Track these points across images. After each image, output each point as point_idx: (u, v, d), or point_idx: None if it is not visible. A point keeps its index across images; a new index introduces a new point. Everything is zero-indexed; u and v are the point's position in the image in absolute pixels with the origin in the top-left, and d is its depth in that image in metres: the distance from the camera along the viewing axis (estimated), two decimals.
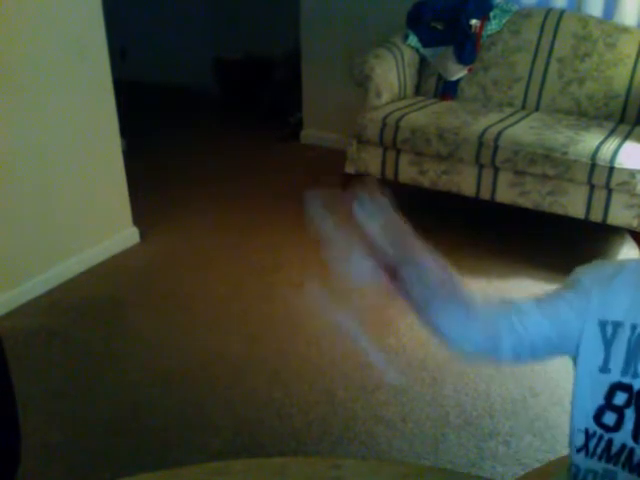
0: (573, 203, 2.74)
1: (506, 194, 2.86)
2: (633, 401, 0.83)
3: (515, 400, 2.15)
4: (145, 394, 2.22)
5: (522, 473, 1.82)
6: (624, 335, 0.84)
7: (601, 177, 2.63)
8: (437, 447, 1.97)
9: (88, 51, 2.79)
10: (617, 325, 0.84)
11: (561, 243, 3.03)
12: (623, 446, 0.85)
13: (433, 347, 2.43)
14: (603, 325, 0.85)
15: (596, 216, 2.71)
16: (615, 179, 2.60)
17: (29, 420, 1.97)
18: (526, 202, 2.82)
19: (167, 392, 2.23)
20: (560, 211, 2.77)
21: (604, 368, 0.85)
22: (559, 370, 2.26)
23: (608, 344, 0.85)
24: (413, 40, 3.41)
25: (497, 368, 2.30)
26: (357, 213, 0.90)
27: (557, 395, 2.16)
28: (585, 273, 0.91)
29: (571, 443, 0.92)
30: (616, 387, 0.84)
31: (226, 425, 2.07)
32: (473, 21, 3.31)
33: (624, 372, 0.84)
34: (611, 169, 2.60)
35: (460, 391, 2.20)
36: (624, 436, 0.85)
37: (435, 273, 0.89)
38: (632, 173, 2.58)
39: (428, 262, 0.89)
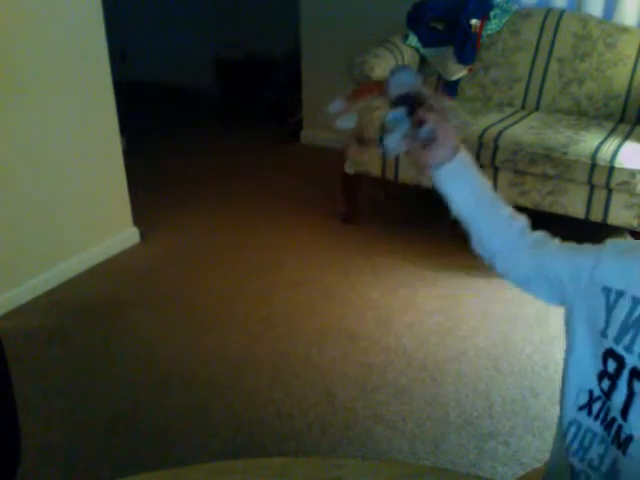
0: (573, 203, 2.74)
1: (506, 194, 2.86)
2: (625, 375, 0.84)
3: (515, 400, 2.15)
4: (145, 394, 2.22)
5: (522, 473, 1.82)
6: (624, 305, 0.86)
7: (601, 177, 2.63)
8: (437, 447, 1.97)
9: (88, 51, 2.79)
10: (619, 294, 0.86)
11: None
12: (614, 419, 0.87)
13: (433, 347, 2.43)
14: (607, 291, 0.87)
15: (596, 216, 2.71)
16: (615, 179, 2.61)
17: (29, 420, 1.98)
18: (526, 202, 2.81)
19: (167, 392, 2.23)
20: (560, 211, 2.77)
21: (604, 333, 0.88)
22: (559, 370, 2.26)
23: (609, 310, 0.87)
24: (413, 40, 3.41)
25: (497, 368, 2.30)
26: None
27: (557, 395, 2.15)
28: (611, 242, 0.94)
29: (567, 400, 0.95)
30: (609, 354, 0.87)
31: (226, 425, 2.07)
32: (473, 21, 3.31)
33: (617, 340, 0.86)
34: (611, 169, 2.60)
35: (460, 391, 2.20)
36: (615, 409, 0.86)
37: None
38: (632, 173, 2.58)
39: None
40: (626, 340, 0.85)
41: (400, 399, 2.17)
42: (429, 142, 1.00)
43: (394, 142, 1.00)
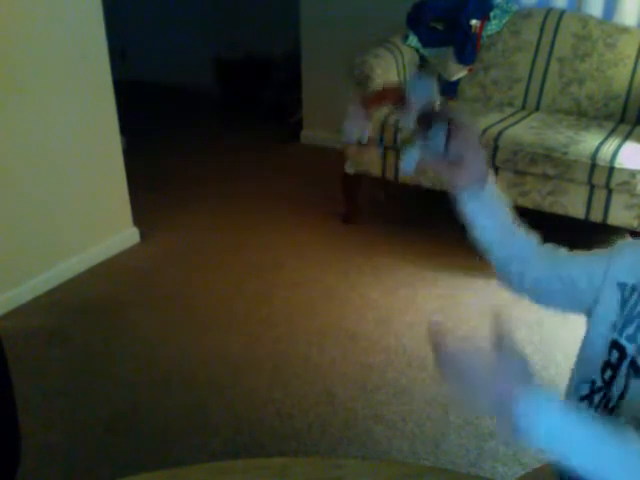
0: (573, 203, 2.74)
1: (506, 194, 2.85)
2: (625, 367, 0.87)
3: None
4: (145, 394, 2.22)
5: (522, 473, 1.82)
6: (635, 298, 0.88)
7: (601, 177, 2.63)
8: (437, 447, 1.97)
9: (88, 51, 2.79)
10: (634, 288, 0.89)
11: (561, 243, 3.03)
12: (614, 408, 0.89)
13: None
14: (623, 287, 0.90)
15: (596, 216, 2.71)
16: (615, 179, 2.60)
17: (29, 420, 1.98)
18: (526, 202, 2.81)
19: (167, 392, 2.23)
20: (560, 211, 2.77)
21: (614, 326, 0.90)
22: (559, 371, 2.26)
23: (623, 304, 0.90)
24: (413, 40, 3.41)
25: None
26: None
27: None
28: (620, 243, 0.97)
29: (572, 391, 0.97)
30: (614, 345, 0.89)
31: (226, 425, 2.07)
32: (473, 21, 3.31)
33: (621, 331, 0.89)
34: (611, 169, 2.60)
35: None
36: (613, 400, 0.89)
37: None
38: (632, 173, 2.58)
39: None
40: (629, 330, 0.87)
41: (400, 399, 2.17)
42: (457, 162, 0.99)
43: (411, 161, 0.98)
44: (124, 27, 4.83)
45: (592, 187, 2.68)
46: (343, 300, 2.73)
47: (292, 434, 2.03)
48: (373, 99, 1.06)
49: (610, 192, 2.65)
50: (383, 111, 3.09)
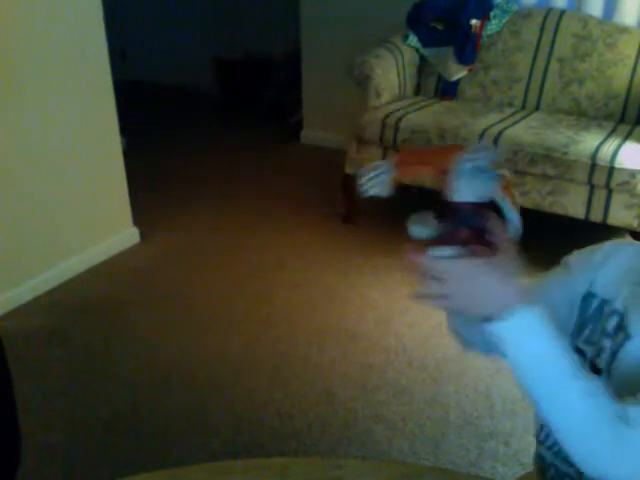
0: (573, 203, 2.74)
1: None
2: (587, 369, 0.87)
3: (515, 400, 2.15)
4: (145, 394, 2.22)
5: (522, 473, 1.82)
6: (588, 302, 0.91)
7: (601, 177, 2.63)
8: (437, 447, 1.97)
9: (88, 51, 2.79)
10: (589, 294, 0.91)
11: (561, 243, 3.02)
12: None
13: (433, 347, 2.43)
14: (585, 297, 0.92)
15: (596, 216, 2.71)
16: (615, 179, 2.60)
17: (29, 420, 1.98)
18: (526, 202, 2.81)
19: (167, 392, 2.23)
20: (560, 211, 2.77)
21: (574, 332, 0.92)
22: None
23: (581, 310, 0.92)
24: (413, 40, 3.41)
25: (497, 368, 2.30)
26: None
27: None
28: (574, 255, 0.98)
29: None
30: (576, 350, 0.89)
31: (226, 425, 2.07)
32: (473, 21, 3.31)
33: (578, 336, 0.91)
34: (611, 169, 2.60)
35: (460, 391, 2.20)
36: None
37: None
38: (632, 173, 2.58)
39: None
40: (585, 334, 0.90)
41: (400, 399, 2.17)
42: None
43: (418, 233, 0.86)
44: (124, 27, 4.83)
45: (592, 187, 2.68)
46: (343, 300, 2.73)
47: (292, 434, 2.03)
48: (412, 159, 0.87)
49: (610, 192, 2.65)
50: (386, 109, 3.09)
